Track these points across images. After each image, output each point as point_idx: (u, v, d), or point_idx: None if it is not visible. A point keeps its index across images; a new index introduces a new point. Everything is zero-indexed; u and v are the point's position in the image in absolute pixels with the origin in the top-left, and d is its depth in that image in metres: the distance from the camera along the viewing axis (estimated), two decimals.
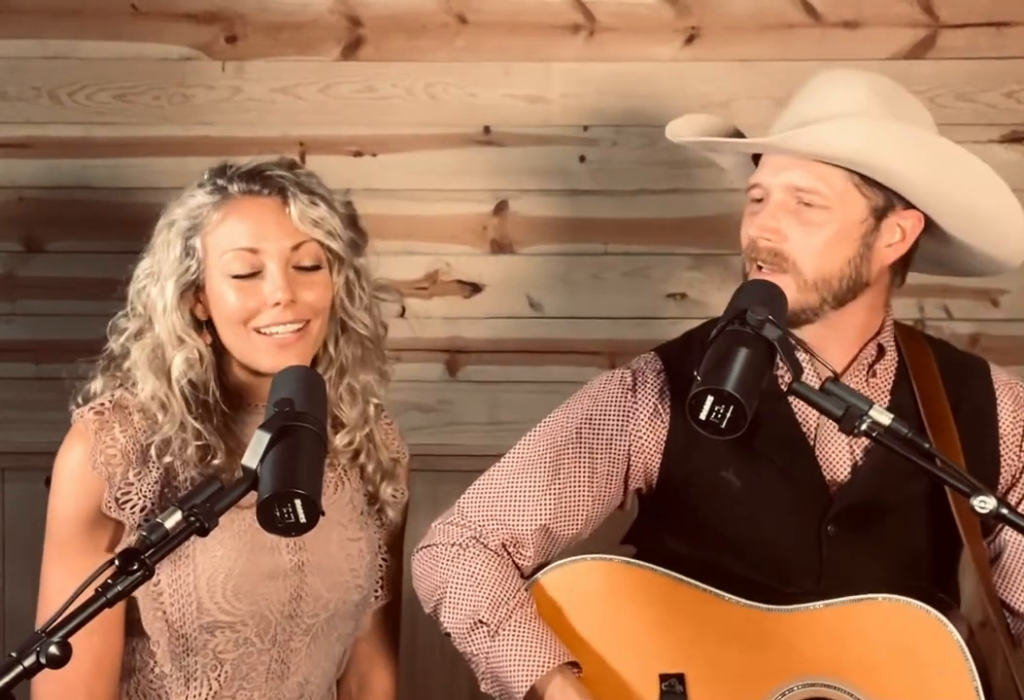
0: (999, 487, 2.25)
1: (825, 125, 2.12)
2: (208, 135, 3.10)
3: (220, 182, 2.17)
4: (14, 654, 1.71)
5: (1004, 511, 1.88)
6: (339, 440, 2.23)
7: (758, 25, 3.02)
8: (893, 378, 2.25)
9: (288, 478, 1.82)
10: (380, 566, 2.31)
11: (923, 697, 2.07)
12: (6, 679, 1.69)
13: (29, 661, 1.70)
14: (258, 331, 2.14)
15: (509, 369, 3.11)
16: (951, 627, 2.07)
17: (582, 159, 3.10)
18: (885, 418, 1.92)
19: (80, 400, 2.21)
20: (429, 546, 2.27)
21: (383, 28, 3.10)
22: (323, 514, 1.83)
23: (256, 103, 3.11)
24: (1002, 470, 2.25)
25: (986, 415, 2.25)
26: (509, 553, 2.23)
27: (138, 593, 2.08)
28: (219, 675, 2.17)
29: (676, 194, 3.08)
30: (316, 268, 2.17)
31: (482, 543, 2.22)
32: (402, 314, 2.56)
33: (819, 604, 2.12)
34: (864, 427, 1.91)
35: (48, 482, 2.39)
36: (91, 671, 2.13)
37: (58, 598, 2.00)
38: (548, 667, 2.13)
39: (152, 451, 2.14)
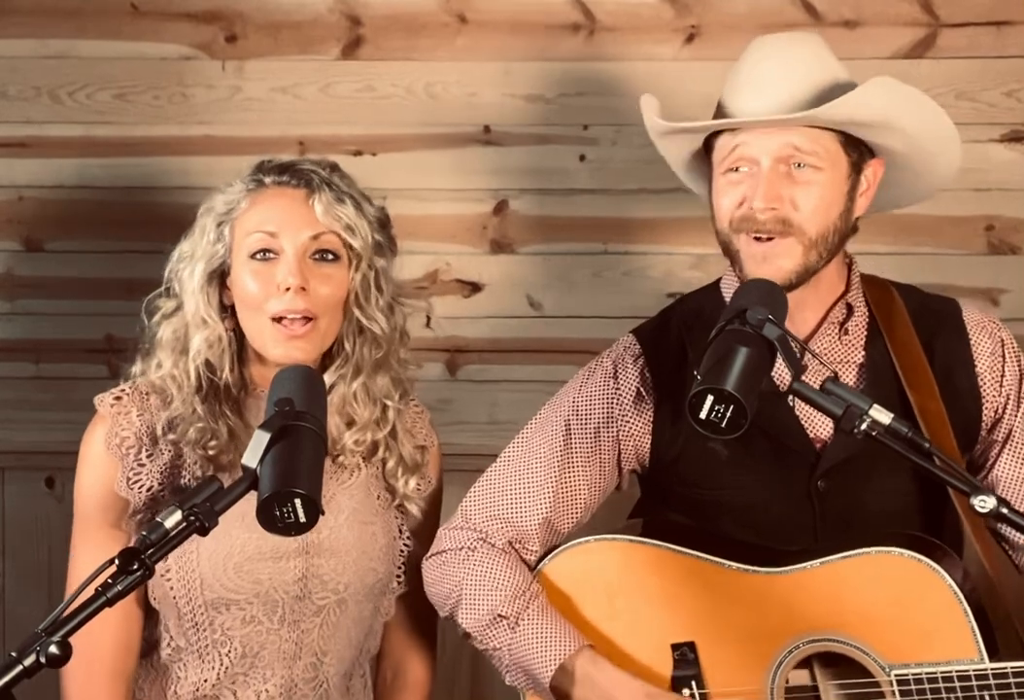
0: (983, 425, 2.28)
1: (858, 93, 2.15)
2: (208, 135, 3.10)
3: (258, 174, 2.26)
4: (14, 653, 1.71)
5: (1004, 510, 1.89)
6: (349, 438, 2.26)
7: (758, 24, 3.01)
8: (866, 334, 2.29)
9: (288, 477, 1.82)
10: (401, 551, 2.33)
11: (922, 643, 2.10)
12: (6, 679, 1.69)
13: (29, 660, 1.70)
14: (272, 320, 2.18)
15: (509, 368, 3.11)
16: (943, 573, 2.10)
17: (582, 158, 3.10)
18: (885, 417, 1.92)
19: (122, 382, 2.30)
20: (438, 553, 2.30)
21: (383, 27, 3.10)
22: (323, 513, 1.83)
23: (256, 102, 3.11)
24: (984, 408, 2.28)
25: (962, 357, 2.28)
26: (515, 549, 2.27)
27: None
28: (229, 652, 2.20)
29: (676, 194, 3.07)
30: (334, 260, 2.22)
31: (489, 543, 2.26)
32: (427, 323, 2.57)
33: (816, 562, 2.15)
34: (864, 426, 1.92)
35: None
36: (112, 648, 2.20)
37: (83, 575, 2.04)
38: (573, 648, 2.16)
39: (160, 428, 2.21)
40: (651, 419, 2.29)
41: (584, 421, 2.30)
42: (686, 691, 2.16)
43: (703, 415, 1.94)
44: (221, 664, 2.21)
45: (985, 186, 3.05)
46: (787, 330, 1.99)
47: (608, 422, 2.30)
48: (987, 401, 2.28)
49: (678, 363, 2.28)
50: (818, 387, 1.96)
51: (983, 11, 3.02)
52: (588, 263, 3.11)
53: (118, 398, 2.25)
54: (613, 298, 3.08)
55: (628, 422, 2.30)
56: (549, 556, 2.26)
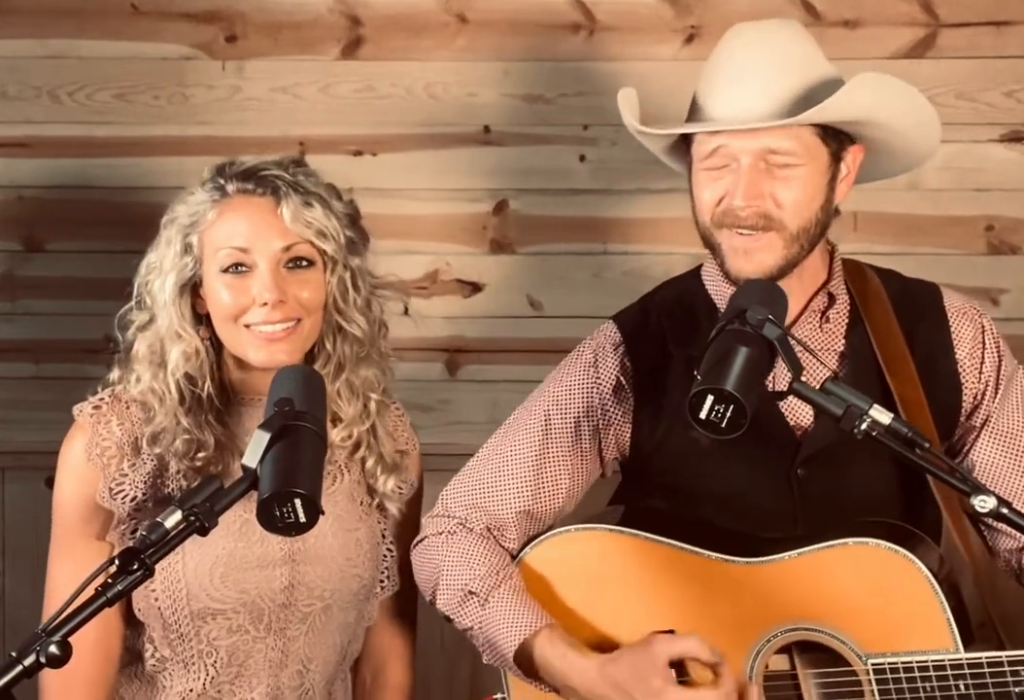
0: (963, 411, 2.29)
1: (841, 95, 2.14)
2: (208, 135, 3.10)
3: (220, 181, 2.20)
4: (14, 654, 1.71)
5: (1004, 510, 1.89)
6: (336, 435, 2.26)
7: None
8: (847, 322, 2.29)
9: (288, 478, 1.82)
10: (384, 556, 2.32)
11: (899, 633, 2.12)
12: (6, 679, 1.69)
13: (29, 660, 1.70)
14: (248, 327, 2.17)
15: (509, 369, 3.11)
16: (920, 564, 2.11)
17: (582, 159, 3.10)
18: (885, 417, 1.93)
19: (100, 389, 2.27)
20: (422, 539, 2.33)
21: (383, 28, 3.10)
22: (323, 513, 1.84)
23: (256, 103, 3.11)
24: (964, 395, 2.29)
25: (942, 344, 2.29)
26: (494, 536, 2.28)
27: None
28: (215, 662, 2.19)
29: (676, 194, 3.06)
30: (308, 266, 2.19)
31: (467, 528, 2.28)
32: (405, 312, 2.56)
33: (793, 553, 2.16)
34: (864, 426, 1.92)
35: (48, 482, 2.40)
36: (90, 657, 2.17)
37: (61, 586, 2.04)
38: (535, 626, 2.17)
39: (143, 441, 2.18)
40: (632, 408, 2.30)
41: (564, 411, 2.31)
42: None
43: (703, 415, 1.94)
44: (207, 674, 2.19)
45: (985, 186, 3.05)
46: (787, 330, 1.99)
47: (588, 412, 2.30)
48: (966, 388, 2.29)
49: (658, 352, 2.29)
50: (817, 387, 1.96)
51: (983, 11, 3.02)
52: (588, 263, 3.11)
53: (97, 407, 2.21)
54: (613, 298, 3.06)
55: (608, 412, 2.30)
56: (531, 545, 2.27)
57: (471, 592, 2.22)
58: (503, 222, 3.12)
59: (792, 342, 1.99)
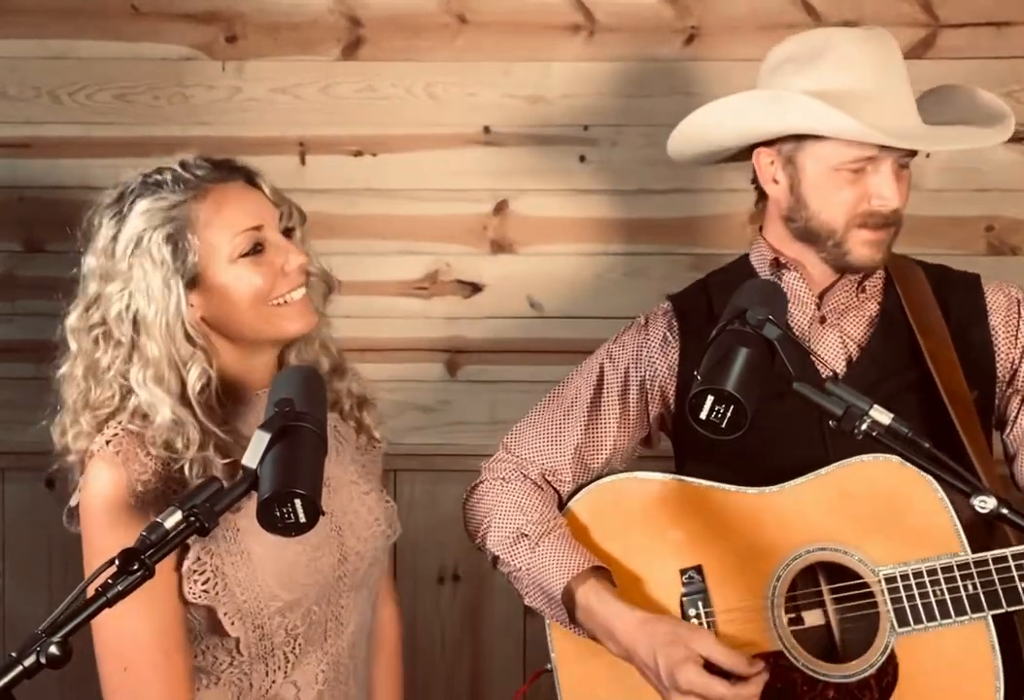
0: (999, 377, 2.35)
1: (975, 129, 2.33)
2: (208, 135, 3.10)
3: (181, 177, 2.15)
4: (14, 654, 1.71)
5: (1004, 511, 1.89)
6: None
7: (758, 25, 3.02)
8: (882, 292, 2.38)
9: (288, 478, 1.82)
10: (387, 507, 2.34)
11: (910, 544, 2.19)
12: (6, 679, 1.69)
13: (29, 661, 1.70)
14: (279, 304, 2.16)
15: (509, 369, 3.11)
16: (929, 478, 2.16)
17: (582, 159, 3.10)
18: (885, 418, 1.93)
19: (71, 445, 2.16)
20: (480, 483, 2.45)
21: (383, 28, 3.10)
22: (323, 514, 1.83)
23: (256, 103, 3.11)
24: (998, 363, 2.34)
25: (976, 310, 2.36)
26: (548, 482, 2.41)
27: (211, 602, 2.10)
28: (294, 649, 2.20)
29: (676, 194, 3.09)
30: (291, 232, 2.23)
31: (523, 474, 2.41)
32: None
33: (807, 477, 2.25)
34: (864, 427, 1.92)
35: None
36: (177, 692, 2.11)
37: (127, 630, 2.04)
38: (583, 567, 2.28)
39: (187, 473, 2.09)
40: (676, 362, 2.39)
41: (615, 363, 2.43)
42: (692, 610, 2.27)
43: (703, 415, 1.95)
44: (287, 661, 2.20)
45: (985, 186, 3.05)
46: (787, 330, 1.99)
47: (636, 363, 2.42)
48: (1000, 353, 2.34)
49: (704, 316, 2.36)
50: (819, 387, 1.97)
51: (983, 11, 3.02)
52: (588, 263, 3.11)
53: (117, 445, 2.10)
54: (613, 298, 3.08)
55: (654, 364, 2.41)
56: (574, 498, 2.38)
57: (524, 535, 2.33)
58: (503, 222, 3.12)
59: (791, 342, 1.99)
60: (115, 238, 2.13)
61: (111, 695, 2.11)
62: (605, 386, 2.43)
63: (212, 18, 3.11)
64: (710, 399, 1.94)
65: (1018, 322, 2.35)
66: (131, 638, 2.08)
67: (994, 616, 2.15)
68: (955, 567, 2.16)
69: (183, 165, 2.18)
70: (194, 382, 2.12)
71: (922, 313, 2.34)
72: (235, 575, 2.12)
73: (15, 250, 3.15)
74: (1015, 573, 2.13)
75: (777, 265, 2.36)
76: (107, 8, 3.11)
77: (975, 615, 2.15)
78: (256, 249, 2.16)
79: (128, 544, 1.92)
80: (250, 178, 2.20)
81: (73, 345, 2.18)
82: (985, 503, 1.89)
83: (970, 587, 2.16)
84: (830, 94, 2.26)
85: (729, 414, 1.94)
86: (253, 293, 2.15)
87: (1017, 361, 2.34)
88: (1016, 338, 2.35)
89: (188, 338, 2.13)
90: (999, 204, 3.05)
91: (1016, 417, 2.34)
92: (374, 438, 2.36)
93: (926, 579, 2.17)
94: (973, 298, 2.37)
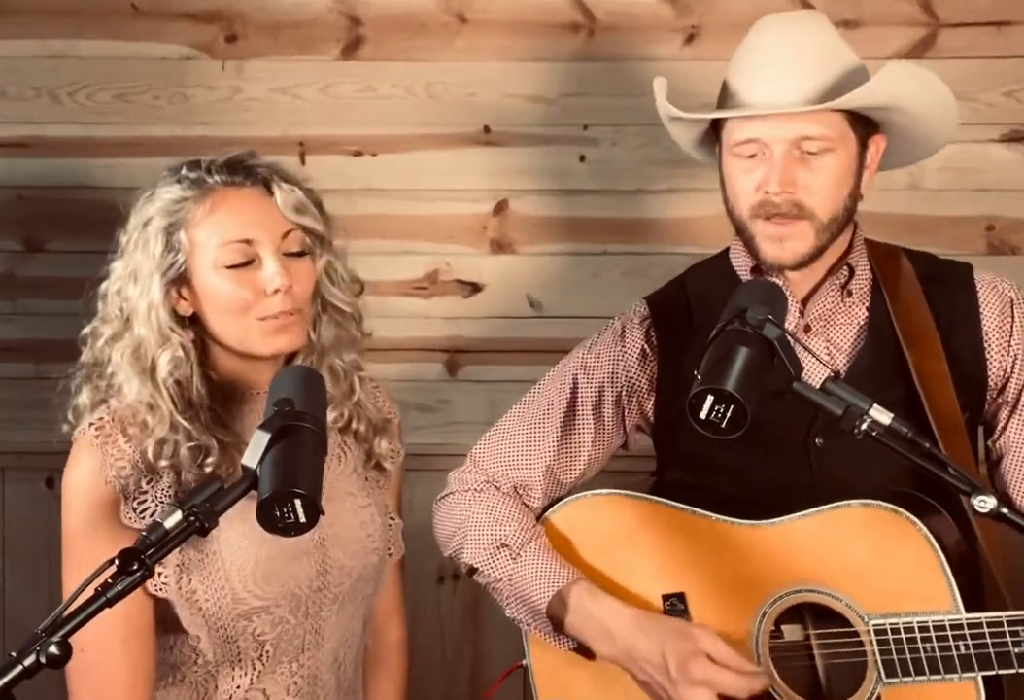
0: (990, 384, 2.30)
1: (876, 83, 2.18)
2: (208, 135, 3.10)
3: (196, 175, 2.16)
4: (14, 654, 1.71)
5: (1004, 511, 1.89)
6: (327, 416, 2.22)
7: None
8: (869, 295, 2.32)
9: (288, 478, 1.82)
10: (390, 526, 2.33)
11: (900, 594, 2.15)
12: (6, 679, 1.69)
13: (29, 661, 1.70)
14: (261, 318, 2.14)
15: (509, 369, 3.11)
16: (920, 525, 2.14)
17: (582, 159, 3.10)
18: (885, 417, 1.93)
19: (71, 417, 2.20)
20: (448, 495, 2.40)
21: (383, 28, 3.10)
22: (323, 514, 1.83)
23: (256, 103, 3.11)
24: (989, 367, 2.30)
25: (968, 313, 2.30)
26: (519, 495, 2.36)
27: (171, 596, 2.11)
28: (261, 656, 2.19)
29: (676, 194, 3.09)
30: (302, 254, 2.18)
31: (495, 486, 2.36)
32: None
33: (799, 515, 2.20)
34: (864, 427, 1.92)
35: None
36: (129, 679, 2.14)
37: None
38: (570, 578, 2.24)
39: (150, 455, 2.13)
40: (655, 377, 2.35)
41: (590, 376, 2.37)
42: None
43: (703, 415, 1.95)
44: (253, 668, 2.19)
45: (985, 186, 3.05)
46: (787, 330, 1.99)
47: (612, 378, 2.36)
48: (992, 360, 2.30)
49: (684, 326, 2.33)
50: (819, 387, 1.96)
51: (983, 11, 3.02)
52: (588, 263, 3.11)
53: (100, 427, 2.13)
54: (612, 298, 3.07)
55: (632, 378, 2.36)
56: (552, 509, 2.34)
57: (504, 545, 2.29)
58: (503, 222, 3.12)
59: (792, 342, 1.99)
60: (134, 216, 2.19)
61: (69, 672, 2.12)
62: (579, 400, 2.37)
63: (212, 18, 3.11)
64: (710, 399, 1.94)
65: (1011, 327, 2.30)
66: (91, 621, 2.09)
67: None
68: (948, 626, 2.12)
69: (209, 163, 2.18)
70: (165, 371, 2.14)
71: (909, 320, 2.28)
72: (200, 573, 2.12)
73: (15, 250, 3.15)
74: (1009, 639, 2.09)
75: (759, 273, 2.31)
76: (107, 8, 3.11)
77: (965, 674, 2.10)
78: (246, 263, 2.14)
79: (99, 530, 2.07)
80: (268, 187, 2.16)
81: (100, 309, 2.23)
82: (985, 503, 1.89)
83: (962, 647, 2.11)
84: (730, 80, 2.26)
85: (729, 414, 1.94)
86: (229, 304, 2.14)
87: (1009, 369, 2.29)
88: (1009, 344, 2.29)
89: (168, 327, 2.14)
90: (999, 204, 3.05)
91: (1004, 426, 2.31)
92: (382, 465, 2.33)
93: (917, 635, 2.12)
94: (965, 298, 2.31)
